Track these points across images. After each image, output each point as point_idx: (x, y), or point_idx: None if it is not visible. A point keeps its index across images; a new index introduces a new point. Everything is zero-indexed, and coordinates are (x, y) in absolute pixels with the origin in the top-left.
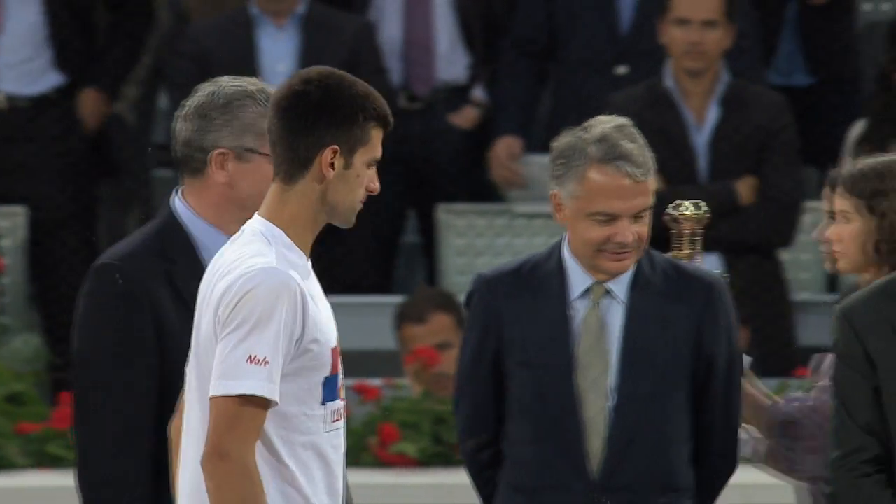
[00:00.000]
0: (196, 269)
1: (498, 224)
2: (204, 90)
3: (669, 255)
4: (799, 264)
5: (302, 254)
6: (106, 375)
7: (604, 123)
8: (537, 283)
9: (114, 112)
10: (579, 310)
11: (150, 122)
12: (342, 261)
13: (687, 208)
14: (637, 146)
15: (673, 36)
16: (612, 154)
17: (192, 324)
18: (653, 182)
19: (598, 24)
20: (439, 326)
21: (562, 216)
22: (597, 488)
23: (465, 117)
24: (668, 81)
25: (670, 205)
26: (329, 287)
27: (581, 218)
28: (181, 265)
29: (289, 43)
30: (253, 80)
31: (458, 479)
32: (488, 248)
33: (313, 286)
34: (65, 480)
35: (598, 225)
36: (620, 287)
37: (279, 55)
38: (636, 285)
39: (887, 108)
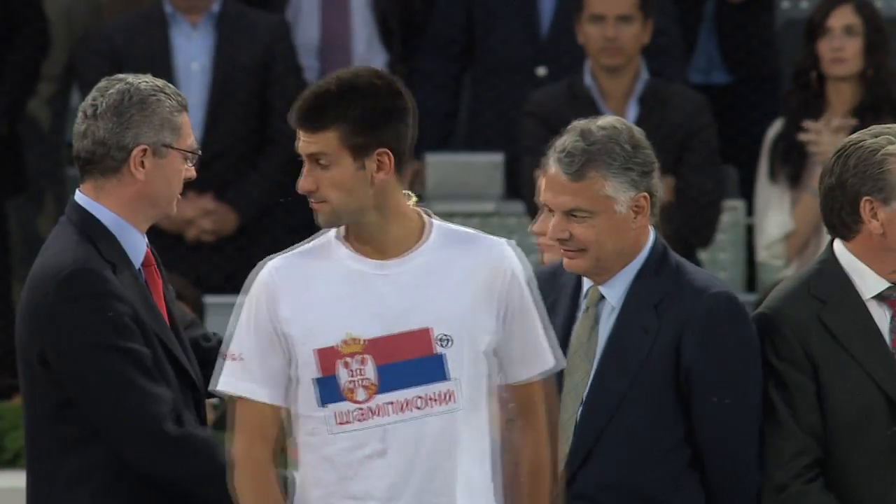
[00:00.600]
0: (127, 268)
1: None
2: (111, 88)
3: None
4: (717, 263)
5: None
6: (110, 364)
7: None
8: (562, 283)
9: (25, 112)
10: (580, 314)
11: (63, 121)
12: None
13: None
14: (580, 143)
15: (588, 33)
16: (555, 151)
17: (143, 321)
18: (602, 185)
19: (517, 24)
20: None
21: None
22: (562, 494)
23: None
24: (588, 80)
25: None
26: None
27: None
28: (119, 266)
29: (203, 41)
30: (147, 77)
31: None
32: None
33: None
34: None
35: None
36: (615, 293)
37: (193, 54)
38: (632, 292)
39: (805, 107)
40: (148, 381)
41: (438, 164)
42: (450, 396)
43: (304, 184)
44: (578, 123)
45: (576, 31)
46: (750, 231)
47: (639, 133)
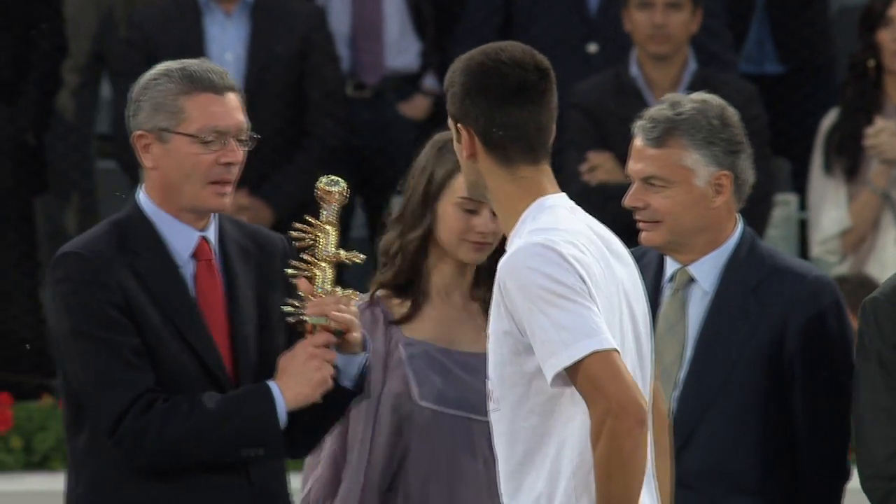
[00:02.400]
0: (163, 261)
1: None
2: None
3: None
4: None
5: None
6: (83, 352)
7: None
8: (644, 263)
9: (52, 105)
10: (666, 295)
11: (91, 112)
12: None
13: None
14: (667, 112)
15: (636, 20)
16: (639, 121)
17: (154, 312)
18: (682, 155)
19: (564, 1)
20: None
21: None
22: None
23: (415, 107)
24: (634, 70)
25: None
26: None
27: None
28: (145, 257)
29: (238, 31)
30: (192, 60)
31: None
32: None
33: None
34: (3, 485)
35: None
36: (707, 276)
37: (227, 43)
38: (726, 275)
39: (861, 97)
40: (119, 369)
41: None
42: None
43: None
44: (671, 95)
45: (623, 17)
46: (803, 226)
47: (731, 112)
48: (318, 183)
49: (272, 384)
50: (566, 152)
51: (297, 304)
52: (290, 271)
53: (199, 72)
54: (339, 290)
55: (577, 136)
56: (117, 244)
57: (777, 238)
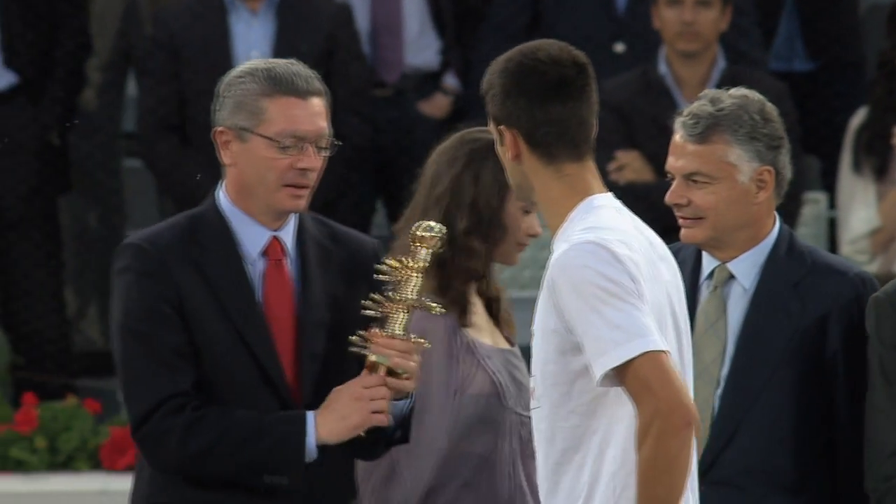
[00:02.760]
0: (230, 258)
1: None
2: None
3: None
4: None
5: None
6: (126, 344)
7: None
8: (681, 259)
9: (77, 104)
10: (704, 292)
11: (118, 110)
12: None
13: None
14: (709, 108)
15: (665, 17)
16: (680, 117)
17: (213, 310)
18: (726, 151)
19: (593, 2)
20: None
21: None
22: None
23: (435, 106)
24: (662, 68)
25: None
26: None
27: None
28: (212, 252)
29: (263, 29)
30: (280, 61)
31: None
32: None
33: None
34: (28, 485)
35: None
36: (746, 273)
37: (253, 42)
38: (766, 272)
39: (891, 96)
40: (154, 368)
41: None
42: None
43: None
44: (710, 91)
45: (652, 14)
46: (832, 225)
47: (770, 107)
48: (413, 228)
49: (310, 415)
50: (594, 151)
51: (364, 337)
52: (366, 303)
53: (284, 74)
54: (412, 337)
55: (605, 135)
56: (187, 237)
57: (806, 237)
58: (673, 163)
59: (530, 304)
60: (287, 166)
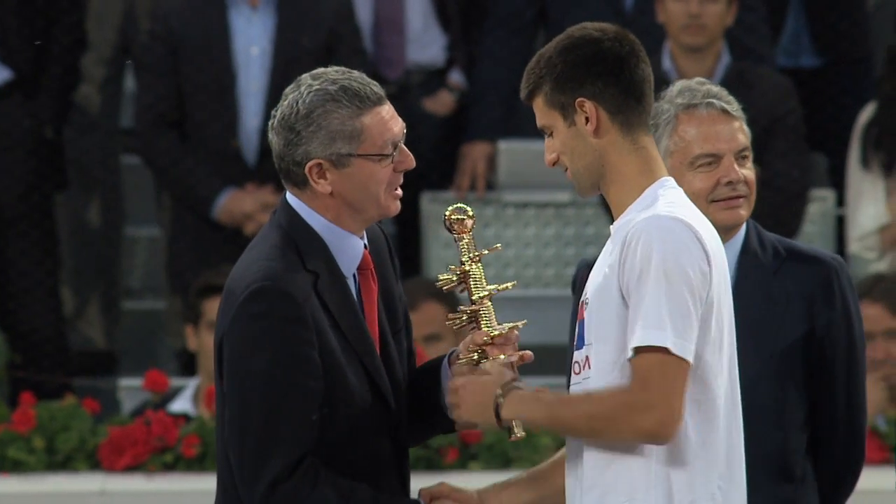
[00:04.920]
0: (335, 278)
1: (486, 214)
2: (287, 97)
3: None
4: None
5: None
6: (271, 394)
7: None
8: None
9: (72, 100)
10: None
11: (116, 106)
12: None
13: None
14: (713, 87)
15: (671, 10)
16: (697, 97)
17: (337, 338)
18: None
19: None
20: (430, 316)
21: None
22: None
23: (440, 103)
24: (666, 63)
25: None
26: None
27: (683, 172)
28: (324, 278)
29: (263, 24)
30: (332, 73)
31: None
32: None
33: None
34: (26, 486)
35: (703, 172)
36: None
37: (253, 37)
38: (743, 263)
39: None
40: (298, 420)
41: (511, 151)
42: (586, 364)
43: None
44: (682, 82)
45: (656, 8)
46: (840, 222)
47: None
48: (446, 213)
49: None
50: None
51: (474, 350)
52: (452, 316)
53: (361, 87)
54: (506, 325)
55: None
56: (302, 266)
57: (814, 234)
58: (725, 143)
59: (535, 302)
60: (391, 172)
